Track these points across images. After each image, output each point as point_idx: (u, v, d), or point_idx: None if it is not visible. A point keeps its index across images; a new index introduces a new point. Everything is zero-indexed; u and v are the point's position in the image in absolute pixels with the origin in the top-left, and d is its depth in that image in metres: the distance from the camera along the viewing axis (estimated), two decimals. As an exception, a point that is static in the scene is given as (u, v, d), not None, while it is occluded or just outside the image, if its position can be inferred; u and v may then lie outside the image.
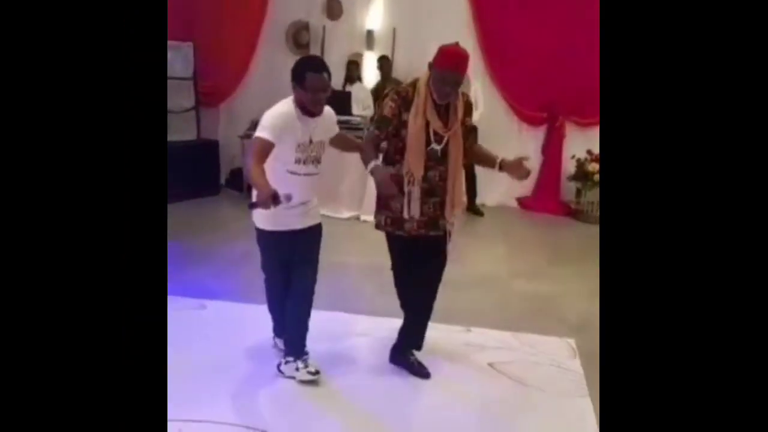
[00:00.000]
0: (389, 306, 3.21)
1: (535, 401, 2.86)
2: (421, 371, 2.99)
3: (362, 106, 6.53)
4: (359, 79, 6.79)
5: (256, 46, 7.04)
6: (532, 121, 6.91)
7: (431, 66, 2.66)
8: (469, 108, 2.87)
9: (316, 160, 2.70)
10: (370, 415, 2.67)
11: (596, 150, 6.31)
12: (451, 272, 3.00)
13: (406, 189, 2.70)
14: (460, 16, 6.67)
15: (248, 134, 6.69)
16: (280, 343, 3.05)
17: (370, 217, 5.89)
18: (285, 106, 2.59)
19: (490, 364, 3.16)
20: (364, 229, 5.71)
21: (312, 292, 2.84)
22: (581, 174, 6.35)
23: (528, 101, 6.82)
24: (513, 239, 5.57)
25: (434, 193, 2.77)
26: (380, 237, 2.93)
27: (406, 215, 2.73)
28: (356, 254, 4.79)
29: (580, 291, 4.22)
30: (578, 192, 6.45)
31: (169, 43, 6.47)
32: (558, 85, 6.59)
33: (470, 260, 4.72)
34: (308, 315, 2.85)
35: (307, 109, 2.57)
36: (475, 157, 2.95)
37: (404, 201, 2.72)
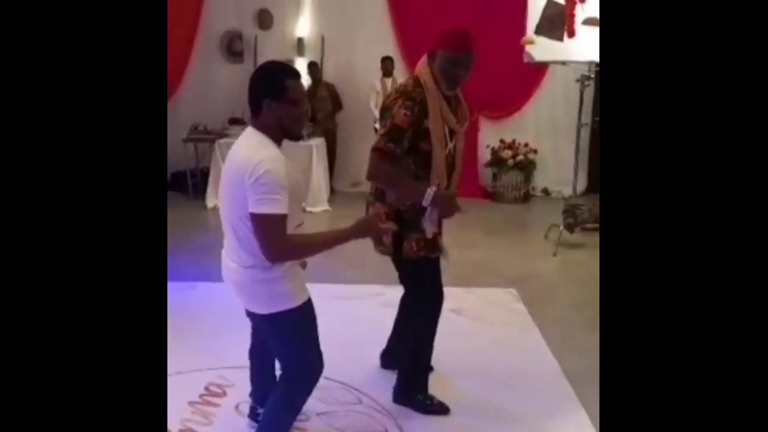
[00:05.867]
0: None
1: (495, 334, 3.60)
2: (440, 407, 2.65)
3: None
4: (292, 83, 7.31)
5: (191, 55, 7.40)
6: (449, 117, 7.71)
7: (433, 54, 2.24)
8: None
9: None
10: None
11: (507, 139, 7.26)
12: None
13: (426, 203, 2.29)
14: (382, 25, 7.38)
15: (191, 138, 7.04)
16: None
17: (315, 209, 6.51)
18: (264, 143, 1.89)
19: (453, 310, 3.86)
20: (310, 219, 6.26)
21: None
22: (496, 160, 7.24)
23: (445, 99, 7.61)
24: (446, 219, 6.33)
25: None
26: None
27: (429, 233, 2.34)
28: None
29: (511, 254, 5.18)
30: (494, 176, 7.33)
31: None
32: (471, 86, 7.39)
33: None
34: None
35: (288, 133, 1.96)
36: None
37: (427, 219, 2.32)
